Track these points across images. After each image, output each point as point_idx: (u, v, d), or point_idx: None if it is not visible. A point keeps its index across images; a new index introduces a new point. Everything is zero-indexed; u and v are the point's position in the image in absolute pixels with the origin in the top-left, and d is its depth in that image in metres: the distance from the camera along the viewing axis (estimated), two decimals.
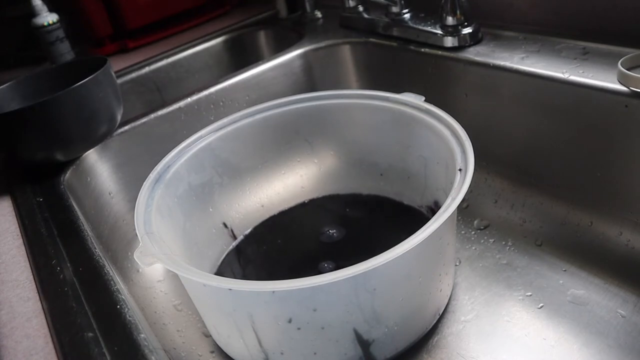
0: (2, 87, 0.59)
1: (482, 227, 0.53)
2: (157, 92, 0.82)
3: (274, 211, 0.58)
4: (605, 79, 0.45)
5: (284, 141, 0.57)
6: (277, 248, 0.54)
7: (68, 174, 0.53)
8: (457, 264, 0.49)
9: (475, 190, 0.57)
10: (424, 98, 0.49)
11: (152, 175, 0.46)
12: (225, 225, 0.54)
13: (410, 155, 0.51)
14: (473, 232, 0.53)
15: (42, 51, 0.85)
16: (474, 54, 0.55)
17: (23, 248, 0.43)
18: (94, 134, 0.54)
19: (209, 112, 0.64)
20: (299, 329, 0.36)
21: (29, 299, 0.37)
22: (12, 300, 0.37)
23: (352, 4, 0.73)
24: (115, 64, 0.83)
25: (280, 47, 0.73)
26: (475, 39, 0.57)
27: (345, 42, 0.71)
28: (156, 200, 0.43)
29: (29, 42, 0.96)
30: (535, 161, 0.53)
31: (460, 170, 0.39)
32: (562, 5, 0.55)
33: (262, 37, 0.89)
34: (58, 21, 0.82)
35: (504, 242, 0.51)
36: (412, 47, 0.62)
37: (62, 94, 0.50)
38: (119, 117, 0.57)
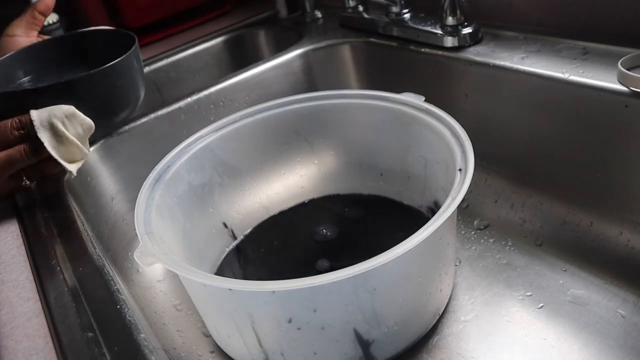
0: (4, 57, 0.54)
1: (482, 227, 0.53)
2: (157, 92, 0.82)
3: (274, 211, 0.58)
4: (605, 79, 0.45)
5: (284, 141, 0.57)
6: (277, 248, 0.54)
7: (68, 174, 0.53)
8: (457, 264, 0.49)
9: (475, 190, 0.57)
10: (424, 98, 0.49)
11: (152, 175, 0.46)
12: (225, 225, 0.54)
13: (410, 155, 0.51)
14: (473, 232, 0.53)
15: None
16: (474, 54, 0.55)
17: (23, 248, 0.43)
18: (115, 117, 0.51)
19: (209, 112, 0.64)
20: (299, 329, 0.36)
21: (29, 299, 0.37)
22: (12, 300, 0.37)
23: (352, 4, 0.73)
24: None
25: (280, 47, 0.73)
26: (475, 39, 0.57)
27: (345, 42, 0.71)
28: (156, 200, 0.43)
29: None
30: (535, 161, 0.53)
31: (460, 170, 0.39)
32: (562, 5, 0.55)
33: (262, 37, 0.89)
34: (58, 21, 0.82)
35: (504, 242, 0.51)
36: (412, 47, 0.62)
37: (94, 74, 0.45)
38: (139, 101, 0.55)
